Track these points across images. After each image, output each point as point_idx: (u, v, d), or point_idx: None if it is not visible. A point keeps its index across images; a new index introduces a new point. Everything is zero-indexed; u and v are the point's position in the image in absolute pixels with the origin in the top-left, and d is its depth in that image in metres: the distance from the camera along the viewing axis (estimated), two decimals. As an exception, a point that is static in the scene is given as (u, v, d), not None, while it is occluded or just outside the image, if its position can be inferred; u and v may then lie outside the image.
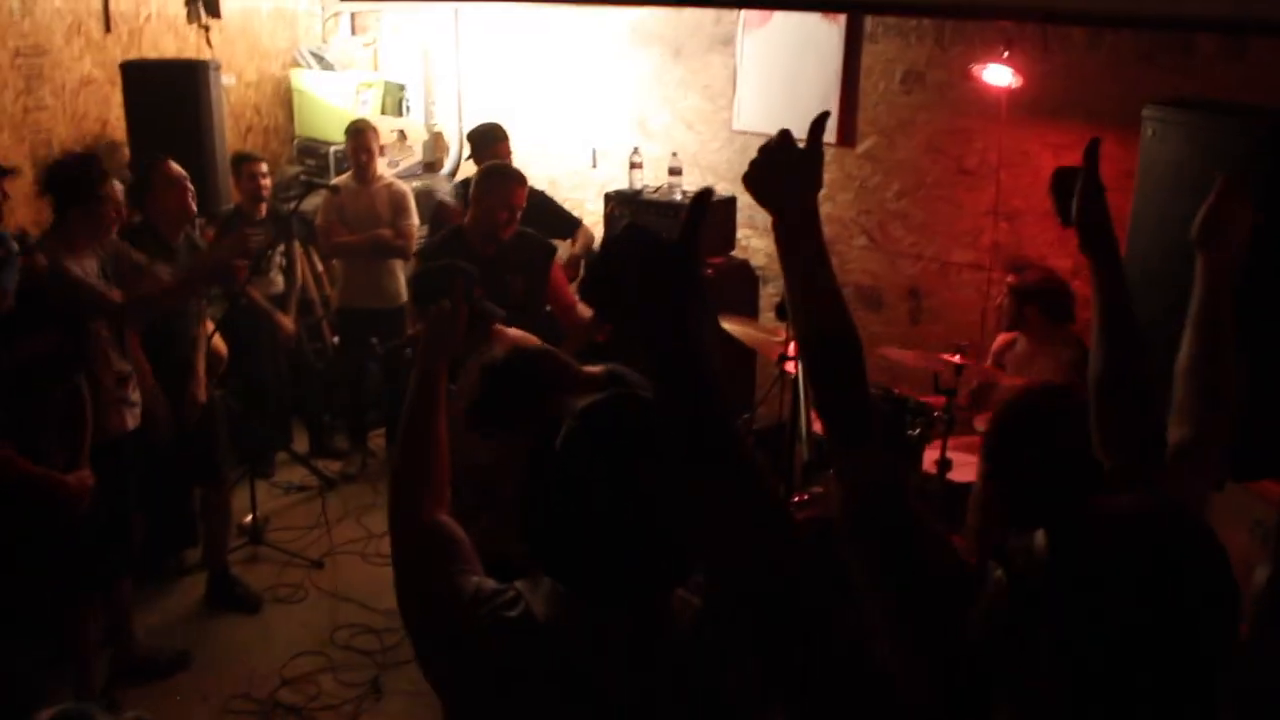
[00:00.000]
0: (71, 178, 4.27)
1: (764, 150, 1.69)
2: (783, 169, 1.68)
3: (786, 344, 4.40)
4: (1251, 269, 2.78)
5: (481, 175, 4.97)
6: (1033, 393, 2.25)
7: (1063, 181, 2.03)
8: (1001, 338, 4.92)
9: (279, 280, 6.35)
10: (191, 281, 4.59)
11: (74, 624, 4.27)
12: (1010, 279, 4.71)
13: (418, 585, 1.84)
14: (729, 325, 4.51)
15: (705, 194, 1.35)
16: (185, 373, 4.87)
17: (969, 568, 1.72)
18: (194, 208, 4.90)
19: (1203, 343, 2.07)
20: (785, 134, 1.70)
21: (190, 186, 4.85)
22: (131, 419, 4.48)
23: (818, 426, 1.77)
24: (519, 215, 4.83)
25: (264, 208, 6.17)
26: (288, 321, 6.27)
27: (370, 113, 6.93)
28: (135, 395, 4.50)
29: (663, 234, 1.32)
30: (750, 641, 1.31)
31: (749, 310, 5.84)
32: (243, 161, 6.18)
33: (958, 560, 1.74)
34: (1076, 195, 1.99)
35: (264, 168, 6.17)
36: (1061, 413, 2.10)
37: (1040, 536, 1.40)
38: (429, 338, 2.13)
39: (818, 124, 1.71)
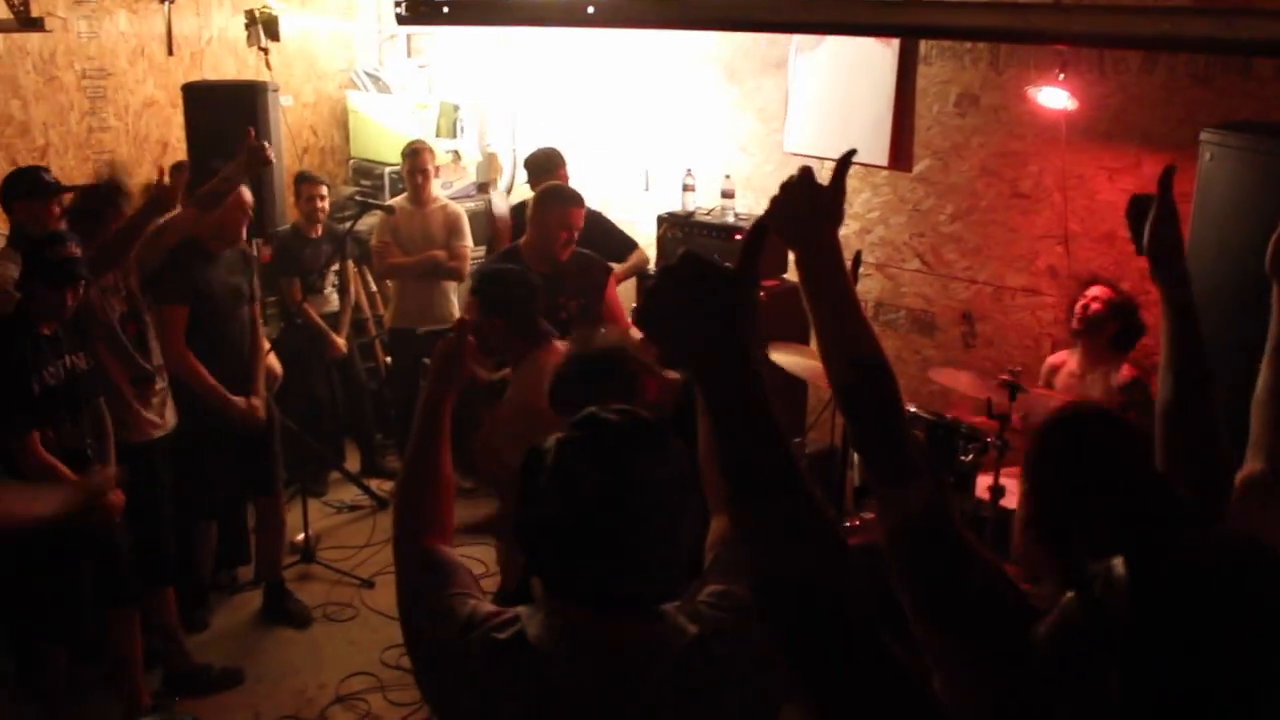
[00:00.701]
0: (87, 211, 4.45)
1: (785, 187, 1.69)
2: (804, 206, 1.68)
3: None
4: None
5: (540, 196, 5.01)
6: (1075, 409, 2.21)
7: (1138, 209, 2.03)
8: (1051, 359, 4.88)
9: (334, 299, 6.42)
10: (140, 212, 4.44)
11: (114, 636, 4.33)
12: (1103, 290, 4.59)
13: (416, 607, 1.89)
14: (779, 357, 4.50)
15: (764, 224, 1.35)
16: (238, 385, 4.92)
17: (1024, 595, 1.70)
18: (244, 235, 4.93)
19: (1278, 376, 2.04)
20: (807, 170, 1.70)
21: (249, 213, 4.86)
22: (154, 426, 4.52)
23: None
24: (577, 236, 4.87)
25: (320, 228, 6.25)
26: (340, 340, 6.34)
27: (425, 134, 6.98)
28: (158, 399, 4.55)
29: (718, 260, 1.32)
30: (792, 658, 1.31)
31: (801, 333, 5.80)
32: (303, 182, 6.27)
33: (1013, 588, 1.71)
34: (1149, 224, 1.98)
35: (324, 190, 6.27)
36: (1105, 431, 2.06)
37: (1120, 564, 1.31)
38: (437, 368, 2.13)
39: (843, 162, 1.72)
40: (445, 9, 3.68)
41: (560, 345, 3.94)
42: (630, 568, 1.65)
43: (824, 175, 1.64)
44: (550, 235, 4.83)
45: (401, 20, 3.76)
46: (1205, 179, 3.47)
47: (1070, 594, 1.32)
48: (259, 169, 4.70)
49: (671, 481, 1.65)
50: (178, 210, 4.49)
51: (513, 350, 3.98)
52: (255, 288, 5.11)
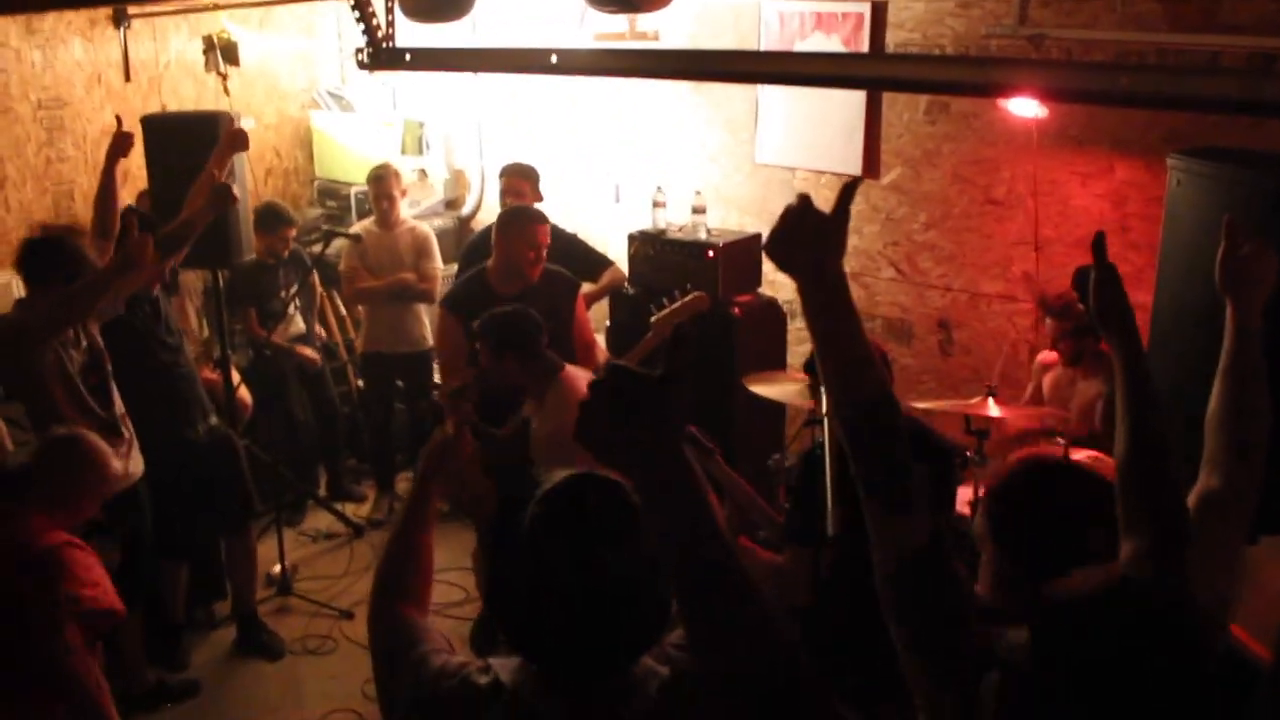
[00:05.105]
0: (39, 257, 4.29)
1: (785, 216, 1.65)
2: (805, 235, 1.63)
3: (816, 406, 4.33)
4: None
5: (502, 220, 5.02)
6: (1031, 462, 2.23)
7: (1083, 280, 2.05)
8: (1042, 357, 4.84)
9: (298, 320, 6.34)
10: (113, 269, 4.30)
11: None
12: (1059, 324, 4.59)
13: (390, 669, 1.91)
14: (755, 387, 4.49)
15: (686, 332, 1.41)
16: (185, 410, 4.87)
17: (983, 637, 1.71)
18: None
19: (1232, 393, 2.08)
20: (806, 199, 1.65)
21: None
22: (121, 478, 4.34)
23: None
24: (545, 254, 4.88)
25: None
26: (311, 351, 6.27)
27: (390, 152, 6.91)
28: (124, 448, 4.42)
29: (642, 372, 1.37)
30: None
31: (777, 348, 5.77)
32: (276, 222, 6.15)
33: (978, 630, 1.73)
34: (1091, 290, 1.98)
35: (292, 233, 6.19)
36: (1060, 483, 2.12)
37: (1024, 634, 1.51)
38: (431, 457, 2.30)
39: (847, 190, 1.67)
40: (408, 56, 3.60)
41: (574, 369, 4.17)
42: (608, 646, 1.69)
43: (798, 185, 1.62)
44: (518, 255, 4.84)
45: (363, 67, 3.70)
46: (1173, 203, 3.47)
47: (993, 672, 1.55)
48: (224, 209, 4.68)
49: (642, 559, 1.65)
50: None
51: (532, 383, 4.14)
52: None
